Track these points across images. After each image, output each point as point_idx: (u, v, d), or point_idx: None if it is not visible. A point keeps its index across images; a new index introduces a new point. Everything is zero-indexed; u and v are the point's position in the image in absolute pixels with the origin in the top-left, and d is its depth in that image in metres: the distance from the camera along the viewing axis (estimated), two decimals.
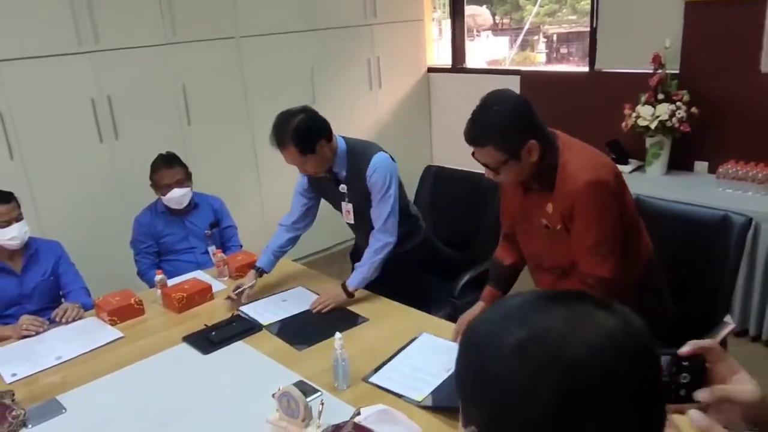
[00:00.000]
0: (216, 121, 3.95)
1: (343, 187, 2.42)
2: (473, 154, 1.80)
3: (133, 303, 2.38)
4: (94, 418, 1.79)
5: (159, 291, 2.47)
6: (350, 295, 2.36)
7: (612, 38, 4.04)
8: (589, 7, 4.10)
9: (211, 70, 3.90)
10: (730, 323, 2.17)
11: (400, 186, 2.46)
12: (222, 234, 3.09)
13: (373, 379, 1.88)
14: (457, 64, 5.06)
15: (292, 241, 2.60)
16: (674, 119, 3.53)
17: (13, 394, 1.83)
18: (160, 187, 2.89)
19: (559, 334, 0.62)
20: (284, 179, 4.30)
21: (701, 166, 3.74)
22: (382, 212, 2.35)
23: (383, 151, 2.39)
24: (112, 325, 2.32)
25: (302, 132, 2.21)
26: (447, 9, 5.09)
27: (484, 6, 5.28)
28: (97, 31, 3.39)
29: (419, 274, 2.57)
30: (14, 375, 2.02)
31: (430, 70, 5.14)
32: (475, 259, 2.77)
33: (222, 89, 3.97)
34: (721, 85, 3.56)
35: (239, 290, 2.39)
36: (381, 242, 2.36)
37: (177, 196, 2.88)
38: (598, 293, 1.82)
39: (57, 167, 3.39)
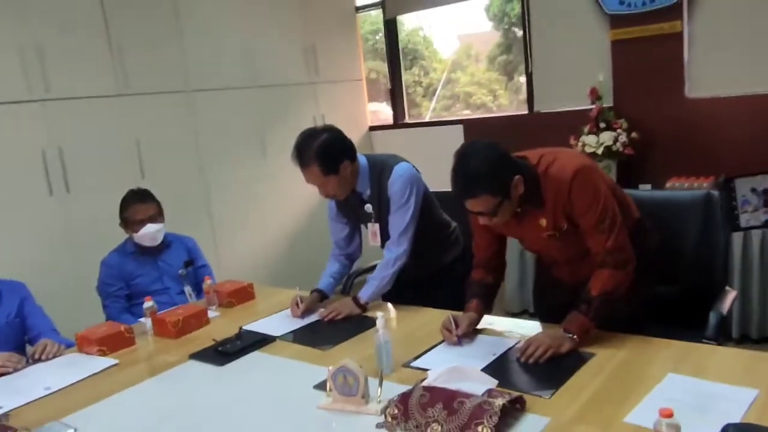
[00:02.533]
0: (170, 175, 3.82)
1: (368, 207, 2.34)
2: (463, 205, 1.84)
3: (123, 331, 2.17)
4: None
5: (149, 320, 2.27)
6: (362, 308, 2.27)
7: (547, 81, 4.36)
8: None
9: (164, 123, 3.82)
10: (732, 291, 2.26)
11: (429, 197, 2.40)
12: (197, 274, 2.90)
13: (417, 363, 1.79)
14: (398, 121, 5.24)
15: (347, 266, 2.52)
16: (618, 143, 3.79)
17: (8, 417, 1.59)
18: (131, 223, 2.72)
19: None
20: (239, 231, 4.23)
21: (645, 188, 3.99)
22: (398, 223, 2.27)
23: (406, 161, 2.34)
24: (101, 355, 2.09)
25: (326, 151, 2.16)
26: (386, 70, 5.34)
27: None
28: (47, 79, 3.26)
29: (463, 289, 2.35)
30: (0, 408, 1.75)
31: (372, 128, 5.29)
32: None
33: (175, 142, 3.88)
34: (653, 112, 3.89)
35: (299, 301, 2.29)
36: (393, 254, 2.29)
37: (151, 232, 2.71)
38: (611, 263, 1.85)
39: (3, 221, 3.12)
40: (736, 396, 1.40)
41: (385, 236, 2.35)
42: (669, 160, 3.85)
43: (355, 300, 2.27)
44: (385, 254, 2.32)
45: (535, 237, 1.96)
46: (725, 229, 2.31)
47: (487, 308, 2.08)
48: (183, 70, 3.91)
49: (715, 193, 2.33)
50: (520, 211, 1.89)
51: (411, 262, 2.33)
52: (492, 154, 1.80)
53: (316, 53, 4.75)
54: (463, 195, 1.81)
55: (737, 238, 3.17)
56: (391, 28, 5.20)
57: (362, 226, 2.48)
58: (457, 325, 1.90)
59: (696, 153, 3.77)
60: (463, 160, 1.82)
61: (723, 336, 2.11)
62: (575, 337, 1.76)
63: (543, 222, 1.90)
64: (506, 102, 4.67)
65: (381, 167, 2.30)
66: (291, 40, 4.60)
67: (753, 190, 0.83)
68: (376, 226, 2.35)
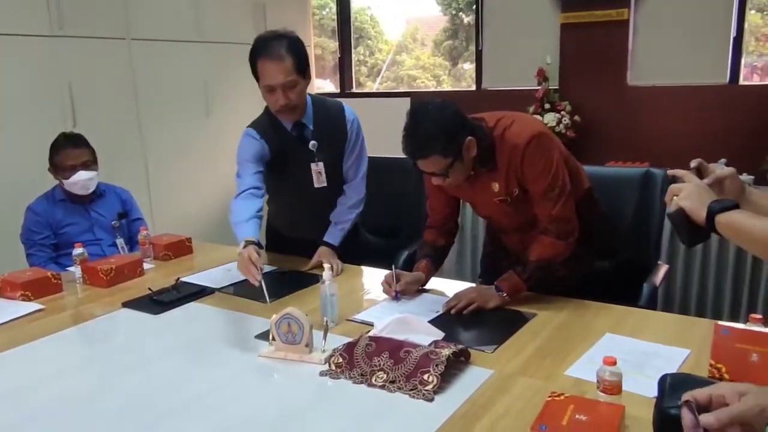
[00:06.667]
0: (104, 124, 3.62)
1: (313, 144, 2.20)
2: (415, 165, 1.83)
3: (50, 276, 2.05)
4: (37, 375, 1.48)
5: (78, 268, 2.15)
6: (338, 252, 2.27)
7: (496, 59, 4.40)
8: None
9: (100, 70, 3.61)
10: (664, 264, 2.36)
11: None
12: (131, 227, 2.78)
13: (360, 316, 1.77)
14: (346, 89, 5.17)
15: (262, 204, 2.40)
16: (561, 125, 3.87)
17: None
18: (62, 169, 2.56)
19: None
20: (176, 189, 4.08)
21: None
22: (362, 165, 2.31)
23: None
24: (24, 300, 1.96)
25: (300, 48, 2.09)
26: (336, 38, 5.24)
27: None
28: None
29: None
30: None
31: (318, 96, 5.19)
32: (404, 244, 2.76)
33: (112, 91, 3.68)
34: (595, 97, 3.98)
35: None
36: (360, 196, 2.33)
37: (83, 179, 2.57)
38: (554, 231, 1.87)
39: None
40: (670, 354, 1.45)
41: (329, 177, 2.24)
42: (608, 144, 3.96)
43: (331, 247, 2.26)
44: (349, 195, 2.32)
45: (487, 201, 1.96)
46: (661, 206, 2.39)
47: (436, 270, 2.09)
48: (124, 17, 3.70)
49: (654, 170, 2.41)
50: (474, 173, 1.89)
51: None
52: (443, 115, 1.78)
53: (266, 14, 4.61)
54: (414, 155, 1.79)
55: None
56: None
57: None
58: (398, 281, 1.90)
59: (633, 139, 3.90)
60: (414, 120, 1.80)
61: (655, 308, 2.20)
62: (505, 294, 1.80)
63: (495, 186, 1.91)
64: (449, 88, 4.71)
65: (326, 102, 2.30)
66: None
67: None
68: (320, 164, 2.23)
